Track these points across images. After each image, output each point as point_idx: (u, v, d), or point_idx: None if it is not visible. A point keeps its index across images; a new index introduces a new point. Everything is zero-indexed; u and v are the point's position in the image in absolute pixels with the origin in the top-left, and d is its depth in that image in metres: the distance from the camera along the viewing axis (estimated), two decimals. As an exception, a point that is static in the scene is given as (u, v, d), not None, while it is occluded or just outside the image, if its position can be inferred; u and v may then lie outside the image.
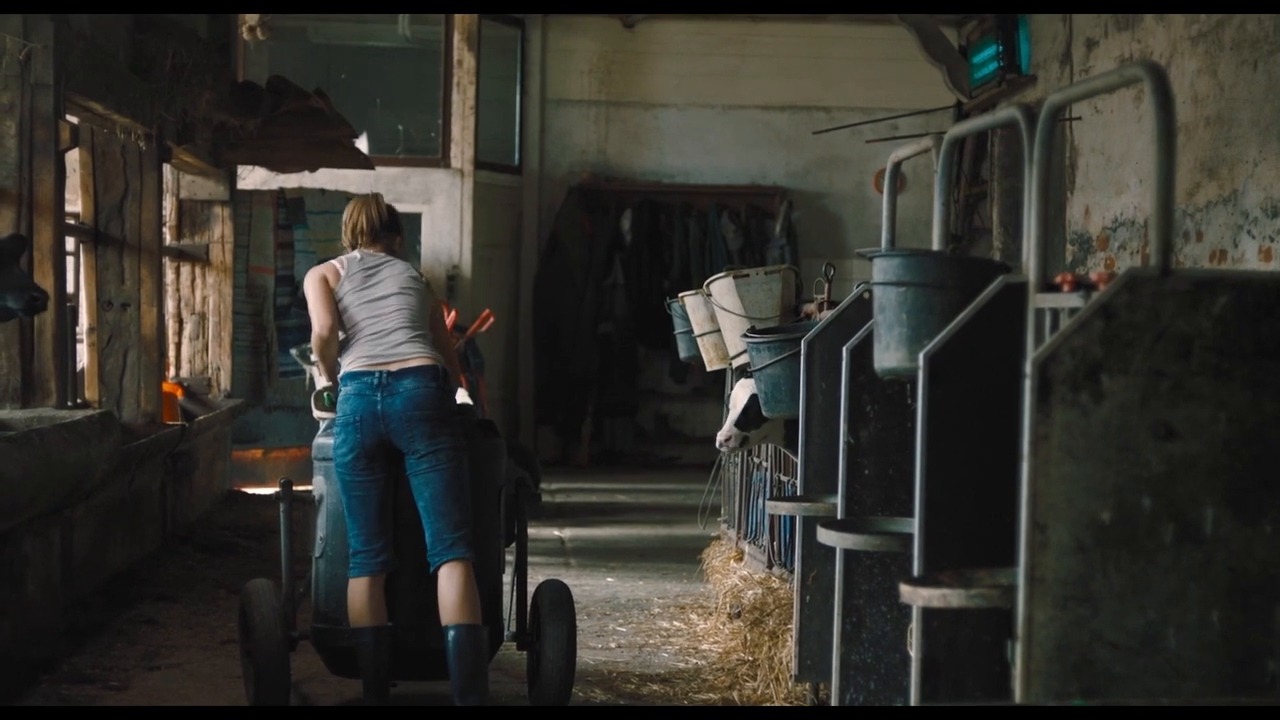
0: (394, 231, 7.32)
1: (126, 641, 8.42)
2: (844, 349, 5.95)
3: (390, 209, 7.39)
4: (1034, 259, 4.29)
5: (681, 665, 8.25)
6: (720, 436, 8.36)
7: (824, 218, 18.55)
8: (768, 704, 7.37)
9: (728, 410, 8.64)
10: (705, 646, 8.62)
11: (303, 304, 7.08)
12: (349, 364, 6.83)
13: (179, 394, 12.68)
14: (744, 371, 8.51)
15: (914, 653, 4.64)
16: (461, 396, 8.20)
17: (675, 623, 9.29)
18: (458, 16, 17.33)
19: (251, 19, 14.16)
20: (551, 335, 18.14)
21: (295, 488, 7.27)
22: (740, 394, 8.18)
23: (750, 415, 8.14)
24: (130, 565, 9.89)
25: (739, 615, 8.47)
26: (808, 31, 18.23)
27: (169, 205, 13.08)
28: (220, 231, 13.59)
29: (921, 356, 4.59)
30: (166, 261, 12.65)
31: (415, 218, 17.18)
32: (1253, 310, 3.72)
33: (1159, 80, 3.81)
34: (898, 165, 6.38)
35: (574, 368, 18.03)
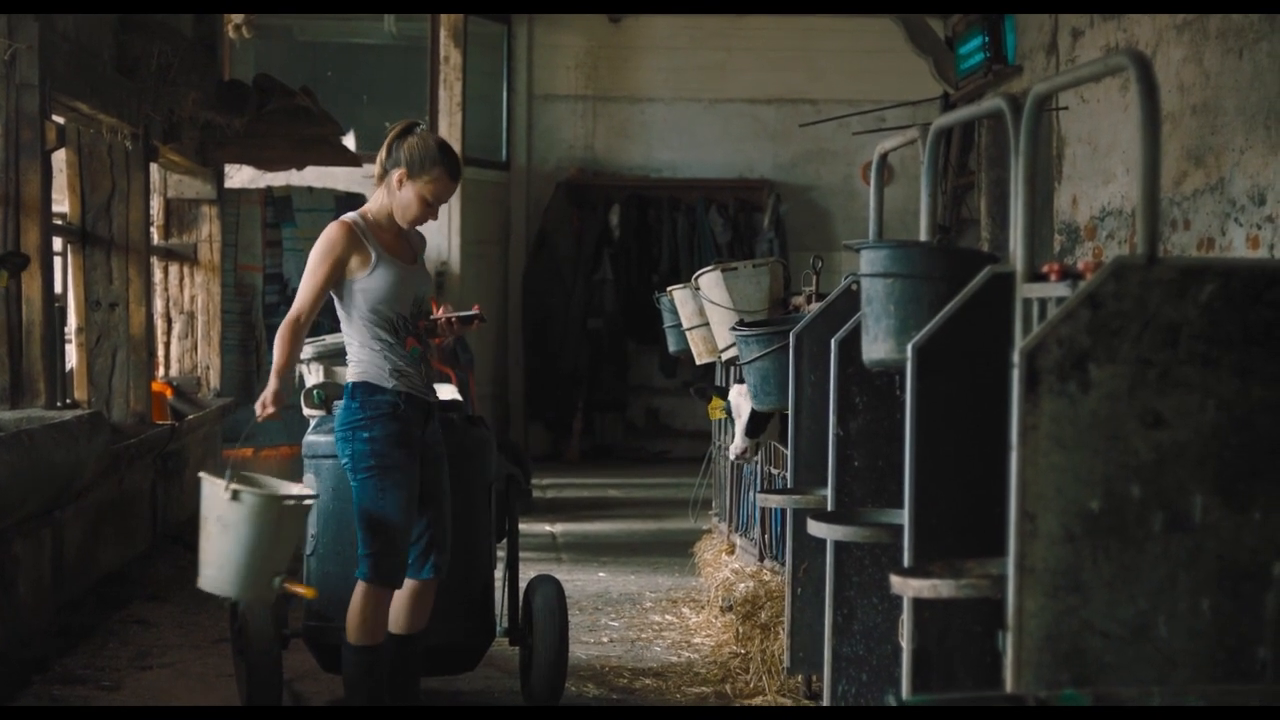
0: (391, 166, 6.66)
1: (118, 642, 8.41)
2: (832, 341, 5.96)
3: (400, 133, 6.66)
4: (1021, 249, 4.30)
5: (674, 659, 8.26)
6: (734, 451, 8.39)
7: (812, 210, 18.54)
8: (760, 697, 7.37)
9: (732, 419, 8.65)
10: (697, 640, 8.63)
11: (290, 302, 6.92)
12: None
13: (168, 393, 12.66)
14: (739, 379, 8.52)
15: (905, 644, 4.65)
16: (451, 392, 8.18)
17: (667, 616, 9.29)
18: (443, 14, 17.30)
19: (237, 17, 14.16)
20: (541, 331, 18.13)
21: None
22: (743, 403, 8.19)
23: (757, 421, 8.16)
24: (121, 565, 9.88)
25: (731, 608, 8.47)
26: (793, 24, 18.22)
27: (156, 204, 13.05)
28: (208, 230, 13.57)
29: (909, 348, 4.60)
30: (154, 261, 12.62)
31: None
32: (1240, 298, 3.72)
33: (1144, 69, 3.81)
34: (884, 157, 6.39)
35: (563, 363, 18.03)
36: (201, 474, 6.51)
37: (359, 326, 6.59)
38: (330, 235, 6.56)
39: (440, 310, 6.82)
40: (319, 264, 6.54)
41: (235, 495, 6.35)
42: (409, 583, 6.64)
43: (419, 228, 6.80)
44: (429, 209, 6.63)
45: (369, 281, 6.53)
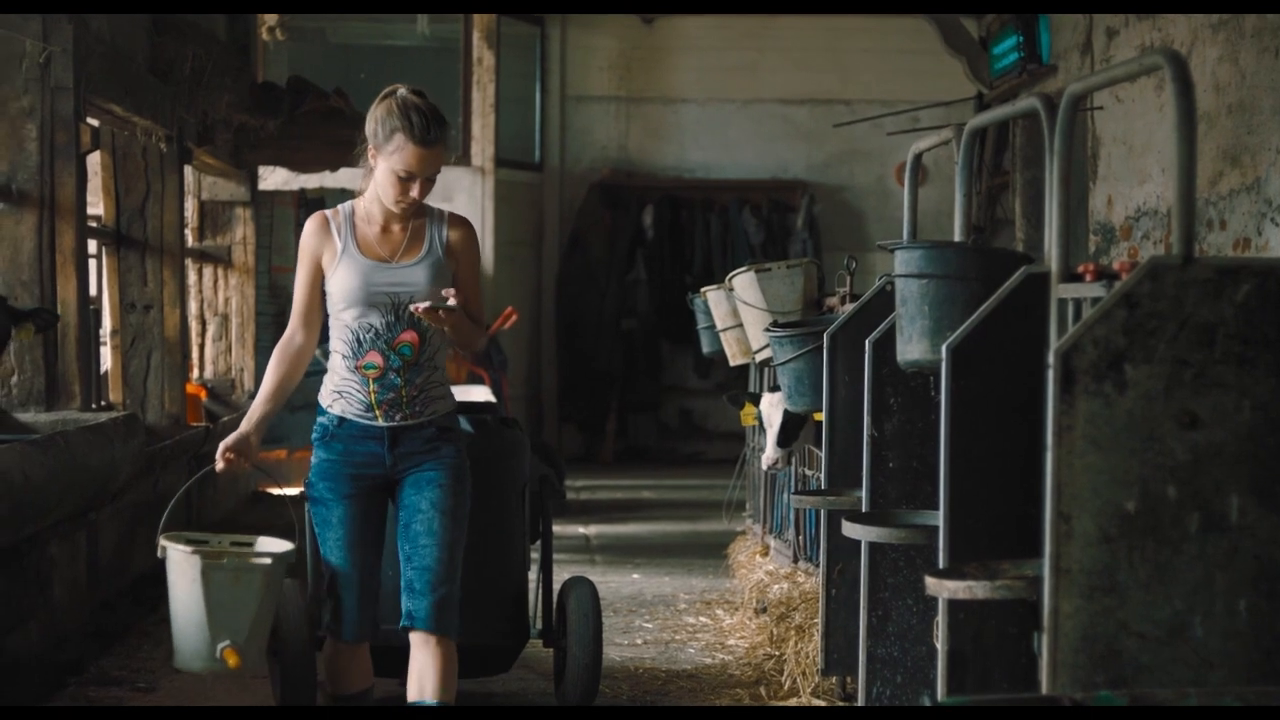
0: (369, 142, 5.77)
1: (153, 643, 8.43)
2: (867, 342, 5.95)
3: (378, 102, 5.80)
4: (1056, 249, 4.28)
5: (708, 661, 8.25)
6: (766, 461, 8.37)
7: (845, 211, 18.53)
8: (795, 699, 7.36)
9: (762, 429, 8.64)
10: (732, 642, 8.62)
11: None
12: None
13: (203, 395, 12.70)
14: (771, 387, 8.52)
15: (940, 645, 4.64)
16: (485, 394, 8.16)
17: (701, 619, 9.28)
18: (476, 16, 17.33)
19: (270, 19, 14.19)
20: (574, 332, 18.14)
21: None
22: (774, 413, 8.18)
23: (788, 430, 8.14)
24: (156, 567, 9.89)
25: (765, 610, 8.46)
26: (826, 24, 18.20)
27: (190, 207, 13.10)
28: (242, 232, 13.62)
29: (944, 349, 4.59)
30: (189, 263, 12.67)
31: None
32: (1276, 297, 3.71)
33: (1179, 68, 3.80)
34: (918, 157, 6.38)
35: (597, 364, 18.04)
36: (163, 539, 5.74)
37: (331, 333, 5.84)
38: (304, 232, 5.80)
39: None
40: (298, 267, 5.82)
41: (163, 552, 5.69)
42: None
43: (444, 212, 5.90)
44: (404, 185, 5.64)
45: (331, 282, 5.75)
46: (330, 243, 5.71)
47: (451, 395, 5.96)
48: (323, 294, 5.79)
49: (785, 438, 8.18)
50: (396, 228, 5.77)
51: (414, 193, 5.64)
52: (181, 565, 5.63)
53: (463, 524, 5.86)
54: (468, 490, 5.92)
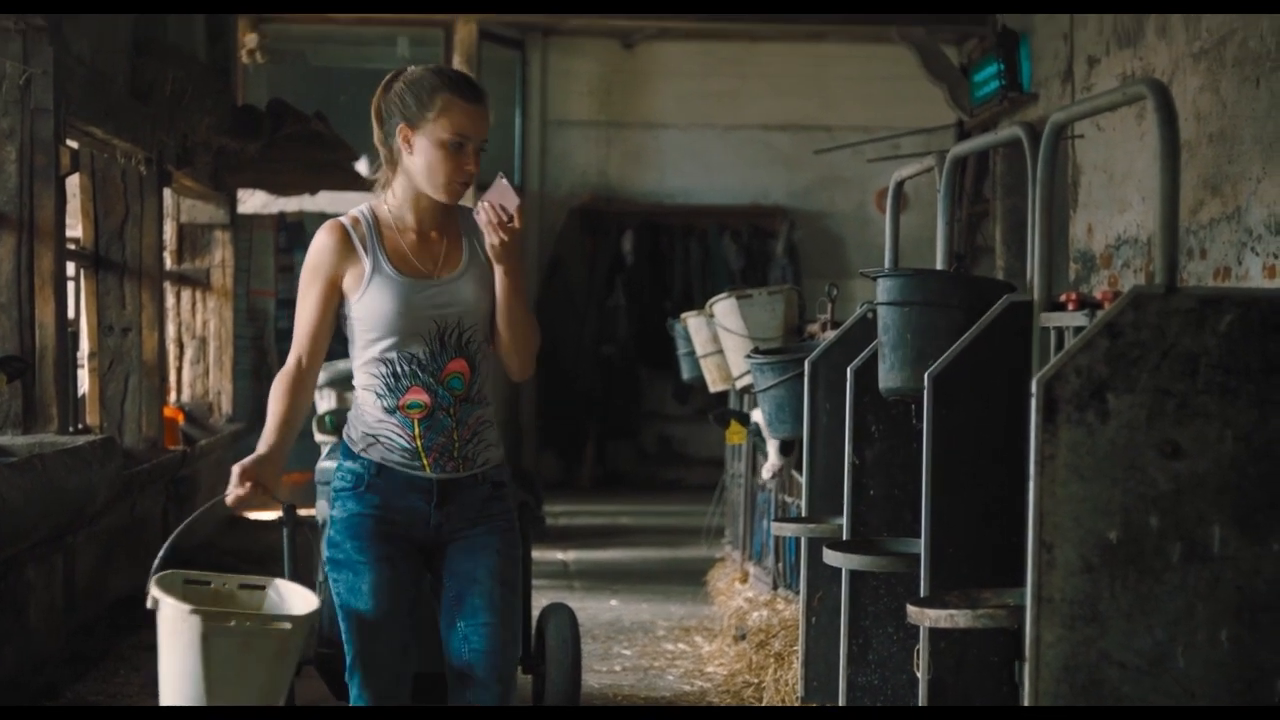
0: (392, 129, 4.92)
1: (130, 668, 8.39)
2: (848, 369, 5.94)
3: (384, 87, 4.93)
4: (1038, 277, 4.28)
5: (687, 688, 8.23)
6: (769, 470, 8.38)
7: (826, 237, 18.53)
8: (773, 726, 7.34)
9: (764, 439, 8.63)
10: (711, 669, 8.59)
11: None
12: None
13: (180, 419, 12.65)
14: None
15: (921, 674, 4.63)
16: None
17: (680, 645, 9.26)
18: (457, 39, 17.28)
19: (251, 42, 14.17)
20: (553, 357, 18.11)
21: (298, 511, 7.19)
22: None
23: (789, 442, 8.16)
24: (133, 591, 9.83)
25: (744, 637, 8.44)
26: (807, 51, 18.23)
27: (169, 229, 13.07)
28: (221, 255, 13.59)
29: (926, 376, 4.58)
30: (167, 286, 12.63)
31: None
32: (1259, 328, 3.71)
33: (1162, 97, 3.80)
34: (900, 184, 6.38)
35: (576, 389, 18.01)
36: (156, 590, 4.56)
37: (356, 364, 4.86)
38: (314, 245, 4.83)
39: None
40: (305, 287, 4.82)
41: (155, 604, 4.53)
42: None
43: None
44: (458, 157, 4.83)
45: (359, 307, 4.77)
46: (355, 260, 4.78)
47: (500, 440, 5.00)
48: (336, 318, 4.84)
49: (787, 446, 8.20)
50: (434, 234, 4.90)
51: (470, 165, 4.85)
52: (175, 623, 4.52)
53: (519, 592, 4.97)
54: (520, 553, 5.02)
